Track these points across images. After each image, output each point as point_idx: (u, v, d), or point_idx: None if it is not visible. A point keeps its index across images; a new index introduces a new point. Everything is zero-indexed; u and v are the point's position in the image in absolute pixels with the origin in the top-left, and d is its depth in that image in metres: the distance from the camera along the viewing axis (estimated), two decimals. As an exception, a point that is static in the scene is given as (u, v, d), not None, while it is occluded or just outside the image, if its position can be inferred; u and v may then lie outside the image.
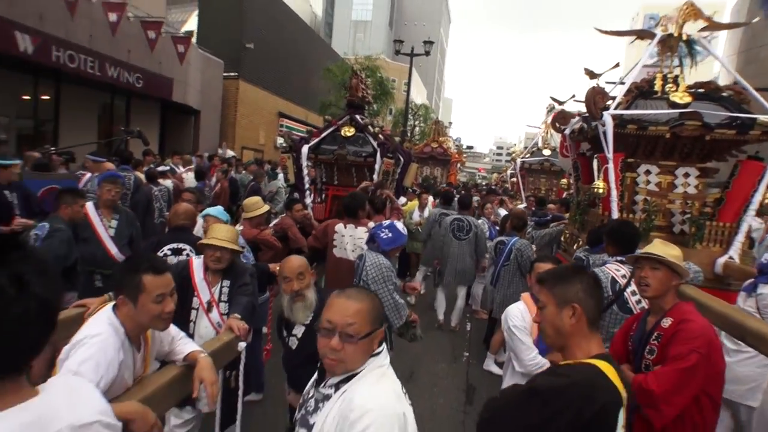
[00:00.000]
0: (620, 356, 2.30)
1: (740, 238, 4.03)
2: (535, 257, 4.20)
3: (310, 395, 1.47)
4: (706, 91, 4.28)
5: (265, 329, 3.84)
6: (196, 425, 2.60)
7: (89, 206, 3.89)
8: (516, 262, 4.64)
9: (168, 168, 8.46)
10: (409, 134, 21.90)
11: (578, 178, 5.17)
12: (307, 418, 1.41)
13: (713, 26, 4.60)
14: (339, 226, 4.28)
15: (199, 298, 2.60)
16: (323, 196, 6.34)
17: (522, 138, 67.77)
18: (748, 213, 4.04)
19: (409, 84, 19.76)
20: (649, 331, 2.15)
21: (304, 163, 6.04)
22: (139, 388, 1.66)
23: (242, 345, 2.29)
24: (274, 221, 4.92)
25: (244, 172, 10.55)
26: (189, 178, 8.52)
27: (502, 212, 7.48)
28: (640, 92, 4.32)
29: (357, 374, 1.36)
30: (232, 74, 17.81)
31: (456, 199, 6.82)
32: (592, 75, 4.68)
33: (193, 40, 15.49)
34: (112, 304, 1.79)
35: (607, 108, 4.11)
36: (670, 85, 4.31)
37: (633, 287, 2.85)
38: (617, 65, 5.10)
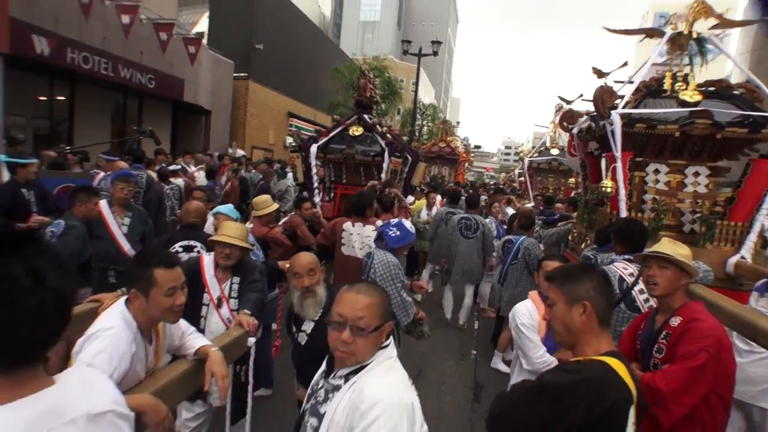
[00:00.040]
0: (628, 355, 2.28)
1: (753, 238, 4.00)
2: (542, 256, 4.20)
3: (319, 386, 1.50)
4: (717, 90, 4.24)
5: (274, 326, 3.88)
6: (207, 419, 2.64)
7: (103, 204, 3.96)
8: (524, 261, 4.65)
9: (179, 167, 8.59)
10: (417, 134, 21.91)
11: (586, 177, 5.16)
12: (317, 408, 1.44)
13: (724, 24, 4.56)
14: (347, 224, 4.32)
15: (210, 294, 2.64)
16: (332, 194, 6.40)
17: (530, 137, 67.34)
18: (761, 212, 4.01)
19: (417, 84, 19.74)
20: (658, 330, 2.13)
21: (313, 162, 6.09)
22: (151, 381, 1.69)
23: (252, 340, 2.31)
24: (284, 219, 4.97)
25: (254, 171, 10.63)
26: (201, 177, 8.62)
27: (510, 211, 7.48)
28: (649, 91, 4.30)
29: (366, 366, 1.39)
30: (242, 75, 17.98)
31: (463, 198, 6.83)
32: (600, 74, 4.66)
33: (204, 41, 15.67)
34: (124, 298, 1.82)
35: (615, 107, 4.09)
36: (679, 83, 4.28)
37: (641, 286, 2.84)
38: (625, 64, 5.07)
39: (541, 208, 8.07)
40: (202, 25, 19.06)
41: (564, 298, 1.50)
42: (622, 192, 4.06)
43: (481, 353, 5.12)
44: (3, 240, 0.81)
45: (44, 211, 4.39)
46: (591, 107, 4.36)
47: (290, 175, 10.17)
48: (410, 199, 7.03)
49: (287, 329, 2.64)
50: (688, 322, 2.01)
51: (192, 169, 9.27)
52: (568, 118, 4.99)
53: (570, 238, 5.48)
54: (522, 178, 12.17)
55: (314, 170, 6.12)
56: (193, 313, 2.50)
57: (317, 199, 6.00)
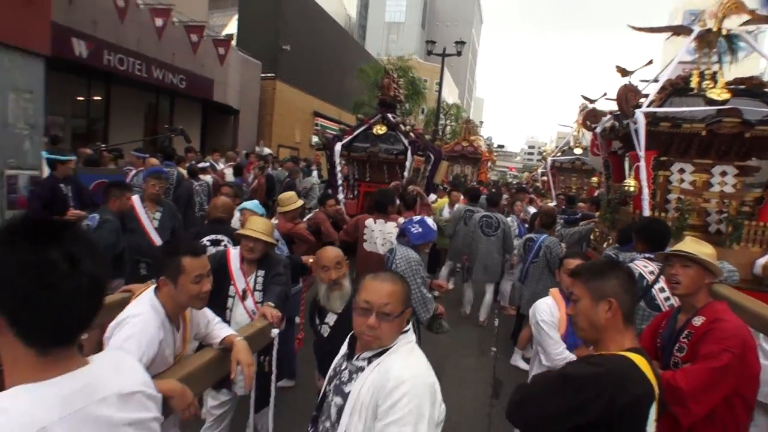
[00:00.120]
0: (648, 353, 2.27)
1: (783, 239, 3.91)
2: (564, 254, 4.20)
3: (342, 367, 1.59)
4: (747, 87, 4.15)
5: (297, 319, 3.94)
6: (232, 407, 2.69)
7: (135, 199, 4.10)
8: (545, 259, 4.65)
9: (208, 164, 8.85)
10: (440, 133, 21.88)
11: (609, 176, 5.11)
12: (341, 388, 1.52)
13: (757, 19, 4.44)
14: (369, 221, 4.41)
15: (235, 286, 2.70)
16: (355, 192, 6.50)
17: (554, 137, 66.01)
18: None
19: (440, 84, 19.75)
20: (680, 329, 2.10)
21: (338, 160, 6.22)
22: (178, 368, 1.73)
23: (275, 332, 2.35)
24: (308, 216, 5.09)
25: (280, 168, 10.83)
26: (230, 174, 8.86)
27: (532, 210, 7.45)
28: (675, 89, 4.24)
29: (389, 349, 1.48)
30: (270, 75, 18.34)
31: (484, 196, 6.84)
32: (624, 72, 4.61)
33: (233, 42, 16.03)
34: (153, 286, 1.88)
35: (639, 106, 4.06)
36: (707, 81, 4.20)
37: (661, 284, 2.83)
38: (650, 62, 4.99)
39: (564, 207, 8.01)
40: (232, 27, 19.53)
41: (589, 294, 1.50)
42: (646, 191, 4.03)
43: (501, 350, 5.14)
44: (42, 227, 0.85)
45: (80, 205, 4.56)
46: (615, 106, 4.34)
47: (315, 172, 10.36)
48: (432, 197, 7.08)
49: (310, 322, 2.70)
50: (711, 322, 1.99)
51: (221, 166, 9.54)
52: (591, 117, 4.96)
53: (592, 237, 5.44)
54: (545, 178, 12.07)
55: (338, 168, 6.23)
56: (219, 304, 2.56)
57: (341, 196, 6.12)
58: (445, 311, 3.56)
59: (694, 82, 4.24)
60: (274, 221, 4.07)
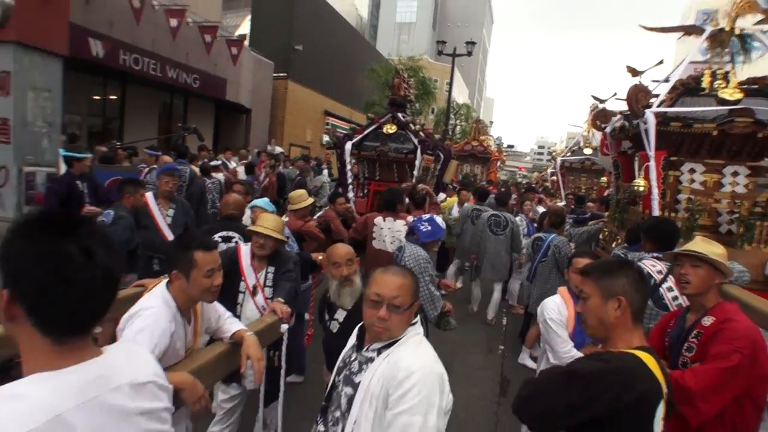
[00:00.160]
0: (655, 352, 2.28)
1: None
2: (572, 253, 4.20)
3: (352, 358, 1.63)
4: (760, 87, 4.11)
5: (307, 315, 3.99)
6: (241, 401, 2.73)
7: (149, 196, 4.15)
8: (553, 259, 4.64)
9: (220, 162, 8.96)
10: (450, 133, 21.85)
11: (619, 176, 5.09)
12: (351, 378, 1.56)
13: None
14: (378, 219, 4.45)
15: (246, 282, 2.74)
16: (365, 190, 6.54)
17: (564, 137, 65.38)
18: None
19: (450, 84, 19.74)
20: (688, 329, 2.10)
21: (348, 159, 6.26)
22: (189, 361, 1.76)
23: (284, 327, 2.38)
24: (318, 214, 5.14)
25: (291, 167, 10.94)
26: (242, 172, 8.95)
27: (541, 210, 7.43)
28: (686, 89, 4.21)
29: (398, 341, 1.53)
30: (282, 75, 18.51)
31: (492, 196, 6.84)
32: (634, 72, 4.59)
33: (246, 42, 16.17)
34: (165, 280, 1.92)
35: (649, 106, 4.04)
36: (719, 81, 4.17)
37: (669, 283, 2.82)
38: (661, 62, 4.96)
39: (573, 207, 7.98)
40: (245, 28, 19.71)
41: (599, 292, 1.51)
42: (655, 191, 4.01)
43: (509, 348, 5.14)
44: (59, 221, 0.88)
45: (95, 202, 4.65)
46: (625, 106, 4.32)
47: (326, 171, 10.42)
48: (442, 196, 7.11)
49: (319, 318, 2.72)
50: (722, 322, 1.98)
51: (233, 164, 9.65)
52: (601, 117, 4.95)
53: (601, 236, 5.42)
54: (554, 178, 12.02)
55: (349, 167, 6.27)
56: (230, 299, 2.59)
57: (351, 194, 6.16)
58: (453, 309, 3.59)
59: (705, 81, 4.21)
60: (285, 219, 4.10)
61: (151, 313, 1.74)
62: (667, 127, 4.00)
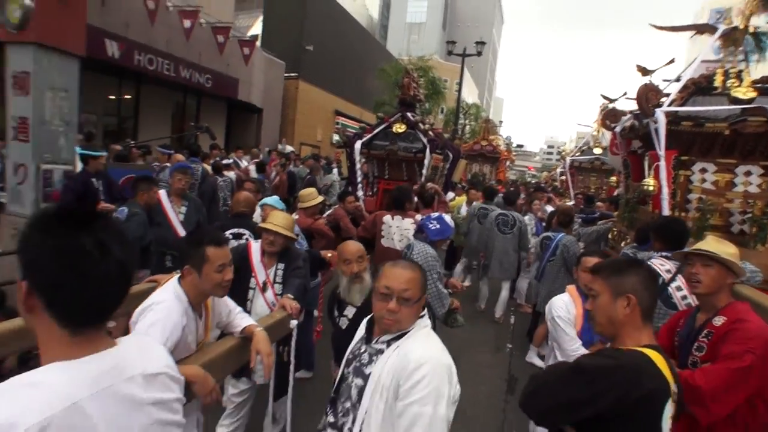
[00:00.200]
0: (664, 351, 2.26)
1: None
2: (581, 252, 4.19)
3: (362, 350, 1.66)
4: (774, 86, 4.07)
5: (316, 312, 4.00)
6: (251, 396, 2.76)
7: (162, 194, 4.22)
8: (562, 258, 4.64)
9: (232, 161, 9.06)
10: (459, 133, 21.81)
11: (628, 175, 5.05)
12: (362, 369, 1.59)
13: None
14: (386, 218, 4.48)
15: (256, 278, 2.77)
16: (374, 189, 6.59)
17: (573, 137, 64.82)
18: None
19: (460, 84, 19.71)
20: (699, 328, 2.08)
21: (357, 158, 6.31)
22: (200, 354, 1.78)
23: (294, 323, 2.39)
24: (328, 212, 5.19)
25: (301, 166, 11.03)
26: (253, 170, 9.05)
27: (549, 209, 7.41)
28: (698, 88, 4.17)
29: (407, 333, 1.57)
30: (293, 75, 18.63)
31: (500, 195, 6.84)
32: (644, 72, 4.55)
33: (258, 43, 16.31)
34: (177, 275, 1.94)
35: (660, 105, 4.02)
36: (732, 80, 4.13)
37: (678, 282, 2.81)
38: (672, 61, 4.92)
39: (582, 206, 7.94)
40: (257, 28, 19.88)
41: (609, 290, 1.51)
42: (665, 191, 3.98)
43: (517, 347, 5.12)
44: (75, 216, 0.89)
45: (110, 199, 4.72)
46: (635, 106, 4.30)
47: (335, 170, 10.49)
48: (450, 195, 7.12)
49: (329, 314, 2.73)
50: (733, 323, 1.96)
51: (244, 163, 9.75)
52: (611, 116, 4.92)
53: (610, 236, 5.39)
54: (563, 177, 11.95)
55: (358, 166, 6.33)
56: (240, 295, 2.62)
57: (360, 193, 6.21)
58: (461, 306, 3.60)
59: (718, 80, 4.17)
60: (295, 216, 4.15)
61: (163, 306, 1.77)
62: (678, 126, 3.97)
